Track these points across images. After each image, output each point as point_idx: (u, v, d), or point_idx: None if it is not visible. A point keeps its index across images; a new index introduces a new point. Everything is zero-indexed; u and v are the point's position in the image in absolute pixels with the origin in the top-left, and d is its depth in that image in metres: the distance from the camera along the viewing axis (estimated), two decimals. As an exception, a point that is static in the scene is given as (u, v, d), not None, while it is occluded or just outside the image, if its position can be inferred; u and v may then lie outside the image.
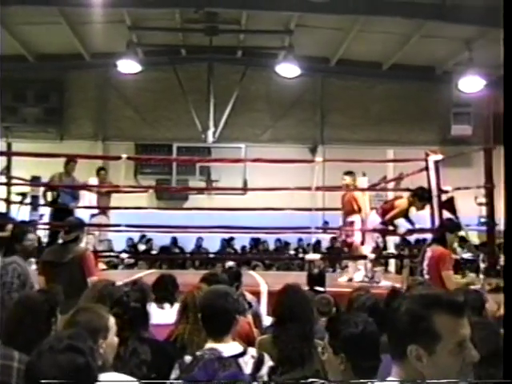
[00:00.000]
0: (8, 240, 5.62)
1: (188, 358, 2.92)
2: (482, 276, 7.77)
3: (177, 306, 3.88)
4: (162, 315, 4.13)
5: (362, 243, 8.45)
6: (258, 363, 2.98)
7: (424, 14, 12.10)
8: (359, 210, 8.48)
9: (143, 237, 14.35)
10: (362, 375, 2.36)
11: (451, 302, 1.74)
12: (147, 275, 7.63)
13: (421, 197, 7.87)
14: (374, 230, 8.31)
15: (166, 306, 4.33)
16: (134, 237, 14.26)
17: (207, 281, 4.20)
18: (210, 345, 2.99)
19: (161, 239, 14.26)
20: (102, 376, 2.09)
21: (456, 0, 11.69)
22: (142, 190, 13.50)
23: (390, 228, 8.29)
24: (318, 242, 13.84)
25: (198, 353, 2.96)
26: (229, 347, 2.96)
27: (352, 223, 8.52)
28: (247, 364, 2.94)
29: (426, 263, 6.24)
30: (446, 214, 8.02)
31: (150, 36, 14.08)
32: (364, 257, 8.42)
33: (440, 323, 1.69)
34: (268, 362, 3.03)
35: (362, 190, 8.94)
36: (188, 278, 6.06)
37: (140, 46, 14.24)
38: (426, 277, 6.13)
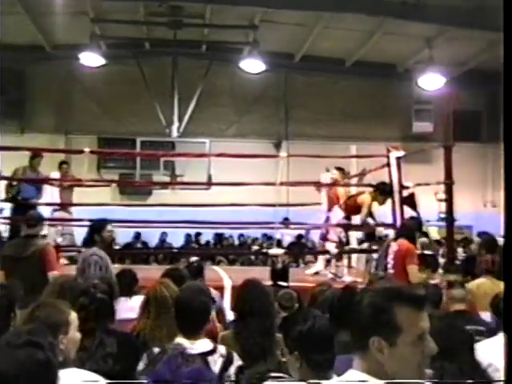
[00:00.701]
0: (88, 231, 5.80)
1: (157, 350, 2.92)
2: (441, 271, 7.92)
3: (138, 301, 3.86)
4: (125, 310, 4.11)
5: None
6: (227, 362, 2.99)
7: (386, 12, 12.26)
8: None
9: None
10: (318, 370, 2.41)
11: (412, 296, 1.78)
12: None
13: (382, 191, 7.98)
14: (338, 225, 8.38)
15: (125, 299, 4.33)
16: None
17: (170, 276, 4.20)
18: (179, 340, 2.98)
19: (124, 234, 14.13)
20: (63, 372, 2.07)
21: (417, -1, 11.89)
22: (105, 184, 13.36)
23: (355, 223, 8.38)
24: (268, 237, 13.91)
25: (166, 346, 2.95)
26: (199, 344, 2.97)
27: (328, 219, 8.58)
28: (216, 362, 2.95)
29: (391, 257, 6.29)
30: (407, 210, 8.14)
31: (114, 29, 13.92)
32: (326, 252, 8.49)
33: (401, 316, 1.72)
34: (237, 362, 3.04)
35: (325, 185, 9.01)
36: (151, 272, 6.03)
37: (103, 39, 14.06)
38: (391, 271, 6.20)
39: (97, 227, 5.72)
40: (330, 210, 8.68)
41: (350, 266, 9.10)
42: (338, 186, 8.83)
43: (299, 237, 13.93)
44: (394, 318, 1.72)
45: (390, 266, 6.28)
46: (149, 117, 15.20)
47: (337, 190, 8.69)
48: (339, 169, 8.83)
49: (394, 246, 6.35)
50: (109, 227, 5.73)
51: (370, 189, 8.32)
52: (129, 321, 3.75)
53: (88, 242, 5.69)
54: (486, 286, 5.65)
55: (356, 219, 8.35)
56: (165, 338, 3.14)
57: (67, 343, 2.50)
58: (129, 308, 4.02)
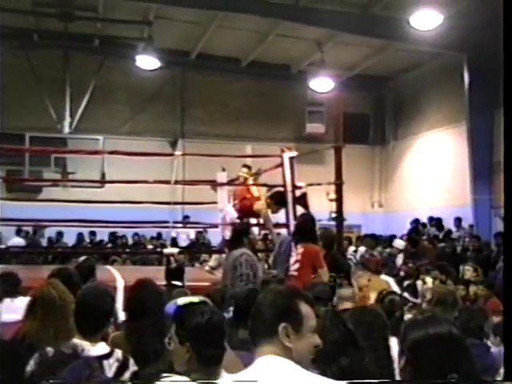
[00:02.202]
0: (234, 234, 6.32)
1: (50, 350, 2.82)
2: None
3: (23, 302, 3.72)
4: (9, 312, 3.96)
5: None
6: (122, 367, 2.95)
7: (279, 14, 12.54)
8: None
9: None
10: (207, 364, 2.44)
11: (307, 295, 2.18)
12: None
13: (277, 201, 8.03)
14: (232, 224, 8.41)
15: (13, 301, 4.18)
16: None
17: (57, 276, 4.09)
18: (75, 341, 2.91)
19: (12, 233, 13.50)
20: None
21: (308, 3, 12.24)
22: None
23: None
24: (158, 236, 13.85)
25: (62, 348, 2.87)
26: (96, 347, 2.91)
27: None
28: (111, 367, 2.90)
29: (295, 259, 6.24)
30: (300, 210, 8.34)
31: (-1, 17, 13.24)
32: (220, 251, 8.51)
33: (303, 309, 2.07)
34: (132, 367, 3.00)
35: (221, 184, 9.04)
36: (39, 273, 5.83)
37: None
38: (294, 273, 6.15)
39: (245, 230, 6.32)
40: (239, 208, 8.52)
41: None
42: (234, 186, 8.86)
43: (199, 233, 13.93)
44: (299, 309, 2.05)
45: (293, 268, 6.20)
46: (38, 111, 14.61)
47: (249, 187, 8.55)
48: (246, 166, 8.71)
49: (299, 249, 6.26)
50: (252, 230, 6.33)
51: (265, 193, 8.38)
52: (13, 323, 3.60)
53: (236, 243, 6.11)
54: (375, 283, 5.91)
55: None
56: (52, 340, 3.05)
57: None
58: (13, 310, 3.87)
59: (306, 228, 6.54)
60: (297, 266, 6.21)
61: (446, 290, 5.38)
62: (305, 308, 2.07)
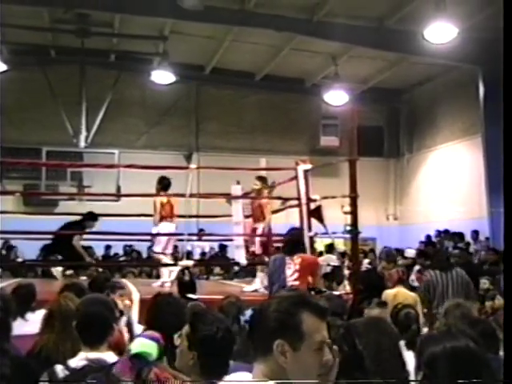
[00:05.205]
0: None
1: (60, 368, 2.82)
2: (346, 282, 8.15)
3: (39, 315, 3.74)
4: (25, 325, 3.97)
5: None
6: None
7: (293, 28, 12.60)
8: (263, 218, 8.28)
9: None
10: (208, 376, 2.42)
11: (317, 305, 1.83)
12: (10, 285, 7.25)
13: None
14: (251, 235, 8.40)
15: (29, 315, 4.18)
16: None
17: (70, 290, 4.10)
18: (84, 353, 2.91)
19: (29, 247, 13.58)
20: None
21: (322, 17, 12.28)
22: (8, 193, 12.83)
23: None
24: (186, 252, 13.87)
25: (78, 363, 2.86)
26: (104, 357, 2.91)
27: (255, 230, 8.32)
28: None
29: (293, 269, 6.24)
30: (315, 222, 8.32)
31: (17, 34, 13.43)
32: (237, 263, 8.51)
33: (307, 322, 1.76)
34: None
35: (235, 197, 9.06)
36: (54, 286, 5.86)
37: (5, 44, 13.54)
38: (291, 283, 6.15)
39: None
40: (256, 220, 8.38)
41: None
42: (248, 199, 8.85)
43: (222, 248, 13.91)
44: (300, 324, 1.75)
45: (292, 278, 6.21)
46: (55, 126, 14.76)
47: (260, 200, 8.41)
48: (260, 178, 8.53)
49: (296, 259, 6.28)
50: None
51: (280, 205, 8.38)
52: (29, 336, 3.62)
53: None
54: (400, 295, 5.86)
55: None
56: (69, 353, 3.06)
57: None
58: (28, 323, 3.89)
59: (298, 240, 6.61)
60: (296, 275, 6.20)
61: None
62: (310, 321, 1.77)
